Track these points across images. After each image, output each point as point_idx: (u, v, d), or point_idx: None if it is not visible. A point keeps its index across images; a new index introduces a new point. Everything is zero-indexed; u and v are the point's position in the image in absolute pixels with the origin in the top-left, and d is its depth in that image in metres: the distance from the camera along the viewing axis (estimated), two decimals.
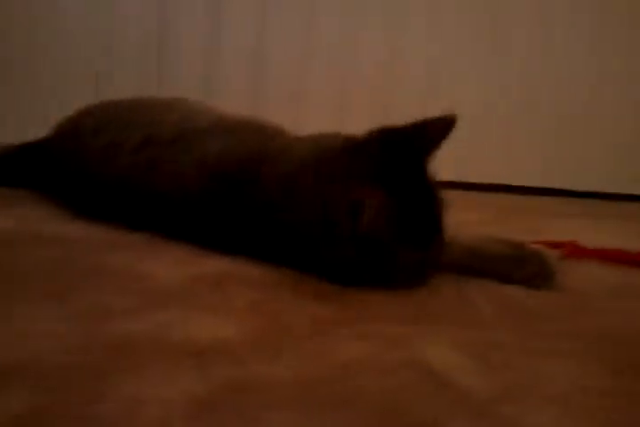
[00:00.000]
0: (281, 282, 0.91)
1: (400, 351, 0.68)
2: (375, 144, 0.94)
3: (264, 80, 2.15)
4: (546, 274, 1.01)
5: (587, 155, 2.50)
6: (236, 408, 0.53)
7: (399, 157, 0.92)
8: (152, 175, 1.09)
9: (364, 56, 2.24)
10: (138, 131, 1.16)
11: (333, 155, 0.95)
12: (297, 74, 2.19)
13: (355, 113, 2.19)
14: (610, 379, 0.66)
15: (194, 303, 0.79)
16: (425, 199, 0.93)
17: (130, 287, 0.82)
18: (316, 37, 2.18)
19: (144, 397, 0.53)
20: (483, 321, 0.82)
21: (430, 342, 0.72)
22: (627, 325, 0.87)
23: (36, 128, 1.73)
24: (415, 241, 0.90)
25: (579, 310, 0.92)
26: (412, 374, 0.62)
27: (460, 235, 1.01)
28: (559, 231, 1.46)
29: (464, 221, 1.08)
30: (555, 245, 1.25)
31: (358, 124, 1.07)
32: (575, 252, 1.24)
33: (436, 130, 0.95)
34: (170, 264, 0.94)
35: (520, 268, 1.01)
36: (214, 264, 0.96)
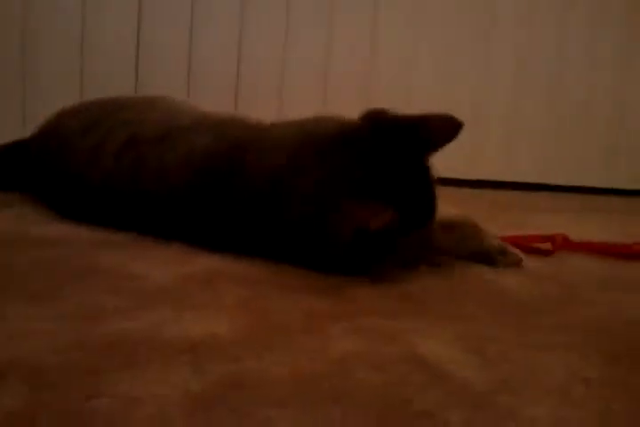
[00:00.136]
0: (271, 278, 0.91)
1: (396, 345, 0.68)
2: (371, 137, 0.92)
3: (245, 77, 2.14)
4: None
5: (579, 152, 2.53)
6: (231, 405, 0.52)
7: (396, 152, 0.92)
8: (138, 174, 1.08)
9: (347, 53, 2.24)
10: (121, 131, 1.15)
11: (326, 147, 0.94)
12: (279, 70, 2.18)
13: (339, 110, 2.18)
14: (606, 370, 0.66)
15: (186, 301, 0.78)
16: (419, 188, 0.92)
17: (122, 286, 0.81)
18: (295, 34, 2.17)
19: (139, 394, 0.52)
20: (477, 315, 0.82)
21: (426, 336, 0.72)
22: (616, 316, 0.87)
23: (18, 128, 1.72)
24: (410, 229, 0.90)
25: (569, 302, 0.93)
26: (408, 368, 0.62)
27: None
28: (548, 225, 1.47)
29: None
30: (544, 239, 1.26)
31: None
32: (564, 245, 1.25)
33: (439, 131, 0.94)
34: (160, 263, 0.93)
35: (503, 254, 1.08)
36: (204, 262, 0.95)
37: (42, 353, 0.59)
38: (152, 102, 1.28)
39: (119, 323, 0.68)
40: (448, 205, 1.01)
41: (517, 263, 1.08)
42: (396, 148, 0.92)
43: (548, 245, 1.24)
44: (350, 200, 0.88)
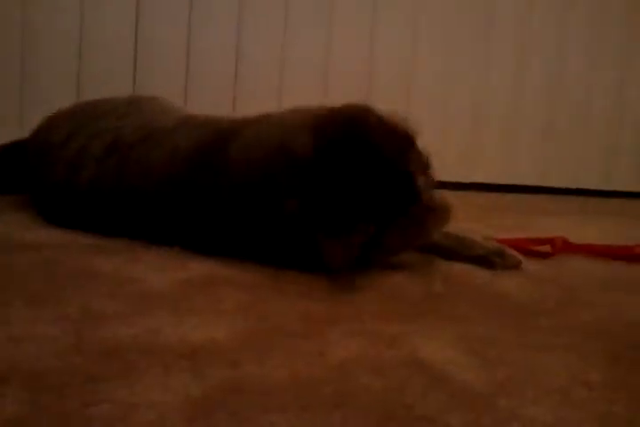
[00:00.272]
0: (269, 282, 0.91)
1: (395, 349, 0.68)
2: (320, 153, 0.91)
3: (243, 78, 2.14)
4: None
5: (578, 153, 2.53)
6: (231, 410, 0.52)
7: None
8: (122, 174, 1.08)
9: (346, 53, 2.24)
10: (104, 136, 1.15)
11: (300, 148, 0.93)
12: (277, 70, 2.18)
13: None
14: (607, 371, 0.66)
15: (184, 306, 0.78)
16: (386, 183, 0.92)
17: (120, 291, 0.81)
18: (294, 34, 2.17)
19: (138, 399, 0.52)
20: (477, 317, 0.82)
21: (425, 339, 0.71)
22: (617, 317, 0.87)
23: (16, 128, 1.72)
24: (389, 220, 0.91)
25: (569, 303, 0.93)
26: (408, 371, 0.62)
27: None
28: (548, 228, 1.47)
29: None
30: (544, 241, 1.26)
31: None
32: (563, 247, 1.25)
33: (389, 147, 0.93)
34: (156, 268, 0.93)
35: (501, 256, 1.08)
36: (200, 267, 0.95)
37: (42, 358, 0.59)
38: (136, 105, 1.27)
39: (118, 328, 0.68)
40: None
41: (516, 266, 1.08)
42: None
43: (547, 248, 1.24)
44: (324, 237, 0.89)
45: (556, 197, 2.42)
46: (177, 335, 0.67)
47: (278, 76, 2.18)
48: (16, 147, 1.39)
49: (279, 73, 2.18)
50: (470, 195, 2.26)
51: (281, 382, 0.58)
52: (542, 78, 2.47)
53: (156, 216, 1.05)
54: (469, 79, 2.39)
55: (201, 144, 1.04)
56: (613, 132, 2.56)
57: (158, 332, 0.68)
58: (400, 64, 2.30)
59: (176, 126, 1.12)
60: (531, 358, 0.68)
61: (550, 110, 2.50)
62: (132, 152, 1.09)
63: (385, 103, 2.17)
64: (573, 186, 2.52)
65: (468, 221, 1.43)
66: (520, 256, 1.10)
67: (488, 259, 1.08)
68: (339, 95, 2.21)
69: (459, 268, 1.06)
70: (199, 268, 0.95)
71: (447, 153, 2.32)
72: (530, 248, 1.22)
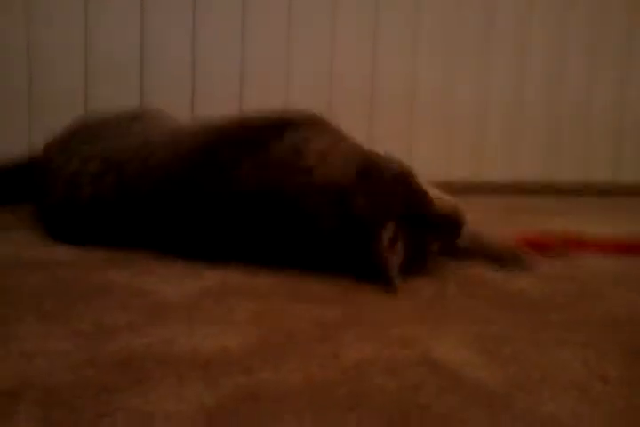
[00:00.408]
0: (281, 289, 0.91)
1: (410, 350, 0.67)
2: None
3: (247, 91, 2.15)
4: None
5: (581, 151, 2.52)
6: (246, 417, 0.52)
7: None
8: (121, 190, 1.09)
9: (348, 56, 2.24)
10: (97, 160, 1.15)
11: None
12: (279, 84, 2.19)
13: (341, 118, 2.18)
14: (623, 366, 0.65)
15: (197, 316, 0.78)
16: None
17: (133, 303, 0.81)
18: (297, 48, 2.18)
19: (152, 409, 0.52)
20: (490, 316, 0.82)
21: (440, 339, 0.71)
22: (631, 313, 0.86)
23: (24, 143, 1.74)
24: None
25: (583, 300, 0.92)
26: (424, 372, 0.62)
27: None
28: (559, 227, 1.46)
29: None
30: (556, 239, 1.25)
31: (346, 128, 1.08)
32: (576, 244, 1.24)
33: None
34: (169, 279, 0.93)
35: (515, 258, 1.09)
36: (212, 277, 0.95)
37: (54, 372, 0.59)
38: (136, 121, 1.28)
39: (131, 339, 0.68)
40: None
41: (529, 267, 1.07)
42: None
43: (560, 245, 1.23)
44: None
45: (564, 197, 2.41)
46: (190, 345, 0.67)
47: (284, 82, 2.18)
48: (29, 162, 1.40)
49: (284, 77, 2.18)
50: (480, 197, 2.25)
51: (295, 386, 0.57)
52: (543, 77, 2.46)
53: (158, 225, 1.05)
54: (471, 79, 2.38)
55: (205, 147, 1.04)
56: (616, 129, 2.55)
57: (172, 342, 0.68)
58: (402, 65, 2.29)
59: (168, 142, 1.12)
60: (546, 355, 0.67)
61: (552, 109, 2.49)
62: (128, 166, 1.10)
63: (388, 105, 2.17)
64: (579, 180, 2.51)
65: (482, 222, 1.43)
66: (533, 257, 1.09)
67: (501, 259, 1.07)
68: (342, 98, 2.23)
69: (472, 268, 1.06)
70: (212, 277, 0.95)
71: (453, 152, 2.32)
72: (543, 246, 1.21)
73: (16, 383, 0.56)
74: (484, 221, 1.15)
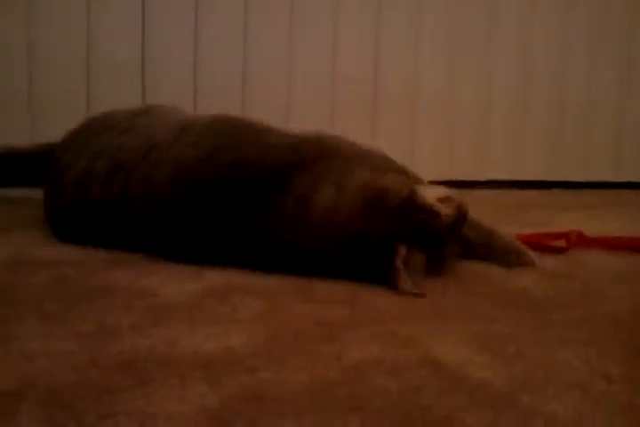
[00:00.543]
0: (284, 290, 0.90)
1: (412, 350, 0.67)
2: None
3: (249, 91, 2.15)
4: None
5: (584, 149, 2.52)
6: (249, 418, 0.52)
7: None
8: (127, 197, 1.09)
9: (350, 58, 2.23)
10: (106, 158, 1.15)
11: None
12: (281, 84, 2.18)
13: (344, 118, 2.18)
14: (626, 365, 0.65)
15: (199, 317, 0.78)
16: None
17: (136, 304, 0.81)
18: (299, 48, 2.18)
19: (155, 410, 0.52)
20: (493, 314, 0.81)
21: (442, 340, 0.71)
22: (634, 310, 0.86)
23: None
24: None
25: (586, 297, 0.92)
26: (426, 372, 0.61)
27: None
28: (562, 223, 1.46)
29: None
30: (559, 236, 1.25)
31: (348, 128, 1.08)
32: (578, 241, 1.24)
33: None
34: (172, 279, 0.93)
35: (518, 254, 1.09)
36: (215, 277, 0.95)
37: (57, 373, 0.59)
38: (142, 116, 1.27)
39: (134, 340, 0.68)
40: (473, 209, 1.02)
41: (531, 264, 1.07)
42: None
43: (562, 242, 1.23)
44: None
45: (568, 192, 2.41)
46: (193, 345, 0.67)
47: (286, 84, 2.18)
48: (49, 147, 1.38)
49: (287, 79, 2.18)
50: (484, 193, 2.24)
51: (298, 386, 0.57)
52: (546, 77, 2.46)
53: (161, 233, 1.06)
54: (473, 79, 2.38)
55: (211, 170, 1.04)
56: (617, 128, 2.55)
57: (175, 342, 0.68)
58: (404, 65, 2.29)
59: (175, 139, 1.12)
60: (549, 354, 0.67)
61: (555, 108, 2.49)
62: (134, 173, 1.10)
63: (390, 104, 2.17)
64: (582, 179, 2.51)
65: (488, 218, 1.42)
66: (535, 254, 1.09)
67: (505, 256, 1.07)
68: (345, 100, 2.23)
69: (474, 265, 1.06)
70: (215, 278, 0.95)
71: (455, 152, 2.32)
72: (545, 243, 1.21)
73: (18, 384, 0.56)
74: (485, 216, 1.14)
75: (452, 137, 2.33)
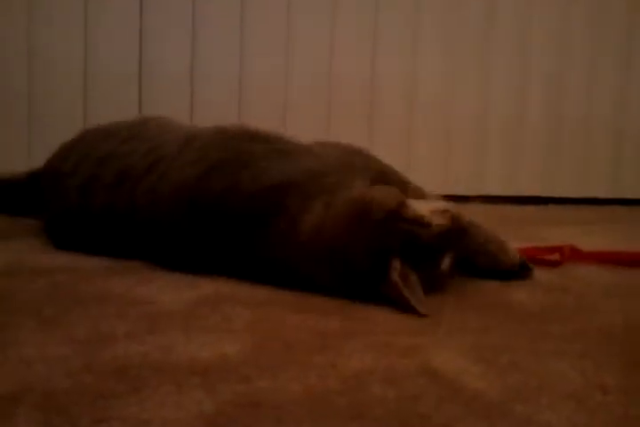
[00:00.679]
0: (279, 299, 0.91)
1: (409, 360, 0.67)
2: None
3: (246, 92, 2.15)
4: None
5: (582, 162, 2.53)
6: (246, 425, 0.51)
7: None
8: (133, 207, 1.09)
9: (346, 60, 2.24)
10: (111, 166, 1.16)
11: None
12: (278, 85, 2.19)
13: (340, 124, 2.18)
14: (621, 376, 0.65)
15: (194, 324, 0.78)
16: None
17: (131, 311, 0.81)
18: (296, 48, 2.18)
19: (149, 417, 0.52)
20: (488, 326, 0.82)
21: (437, 349, 0.71)
22: (627, 323, 0.86)
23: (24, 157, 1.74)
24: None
25: (580, 311, 0.92)
26: (423, 381, 0.62)
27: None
28: (556, 238, 1.46)
29: None
30: (553, 250, 1.25)
31: (345, 130, 1.08)
32: (572, 255, 1.24)
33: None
34: (168, 288, 0.93)
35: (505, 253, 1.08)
36: (211, 286, 0.95)
37: (53, 378, 0.59)
38: (140, 127, 1.27)
39: (129, 347, 0.68)
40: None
41: (529, 276, 1.07)
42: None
43: (556, 256, 1.23)
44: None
45: (562, 207, 2.42)
46: (188, 353, 0.67)
47: (280, 92, 2.18)
48: (37, 174, 1.40)
49: (283, 89, 2.18)
50: (477, 207, 2.25)
51: (294, 395, 0.57)
52: (544, 78, 2.46)
53: (162, 245, 1.06)
54: (471, 87, 2.39)
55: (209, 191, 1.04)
56: (617, 136, 2.56)
57: (169, 350, 0.68)
58: (401, 66, 2.30)
59: (180, 151, 1.12)
60: (544, 365, 0.68)
61: (553, 118, 2.50)
62: (140, 184, 1.10)
63: (388, 115, 2.16)
64: (578, 195, 2.52)
65: None
66: (531, 266, 1.09)
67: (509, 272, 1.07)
68: (342, 108, 2.24)
69: (469, 278, 1.06)
70: (210, 287, 0.95)
71: (451, 166, 2.32)
72: (539, 257, 1.22)
73: (15, 388, 0.56)
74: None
75: (448, 151, 2.34)
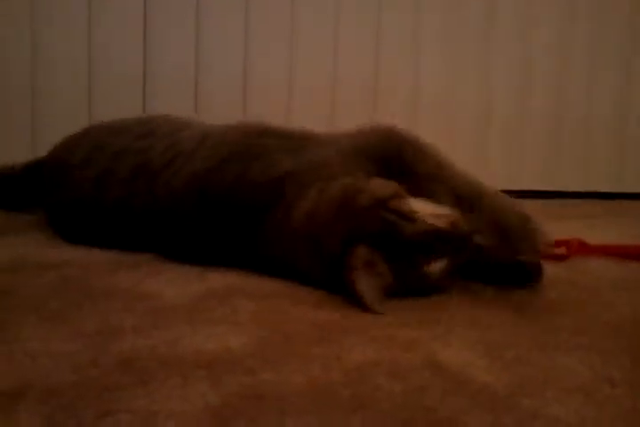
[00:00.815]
0: (284, 292, 0.90)
1: (413, 353, 0.67)
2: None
3: (250, 92, 2.15)
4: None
5: (585, 156, 2.52)
6: (250, 417, 0.52)
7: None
8: (152, 199, 1.09)
9: (350, 64, 2.24)
10: (128, 160, 1.16)
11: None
12: (282, 85, 2.19)
13: (343, 122, 2.18)
14: (628, 369, 0.65)
15: (200, 318, 0.78)
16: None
17: (138, 305, 0.81)
18: (299, 49, 2.18)
19: (156, 408, 0.52)
20: (495, 320, 0.81)
21: (443, 344, 0.71)
22: (635, 317, 0.86)
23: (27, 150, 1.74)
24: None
25: (588, 304, 0.92)
26: (428, 374, 0.61)
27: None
28: (562, 231, 1.45)
29: None
30: (560, 244, 1.25)
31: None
32: (579, 249, 1.24)
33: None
34: (175, 281, 0.93)
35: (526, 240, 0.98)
36: (217, 279, 0.95)
37: (58, 372, 0.59)
38: (151, 124, 1.27)
39: (136, 340, 0.68)
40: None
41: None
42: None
43: (563, 250, 1.23)
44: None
45: (567, 202, 2.41)
46: (194, 346, 0.67)
47: (286, 90, 2.18)
48: (36, 165, 1.40)
49: (287, 88, 2.18)
50: None
51: (298, 387, 0.57)
52: (545, 85, 2.47)
53: (177, 234, 1.06)
54: (473, 84, 2.38)
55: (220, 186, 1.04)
56: (618, 132, 2.55)
57: (176, 343, 0.68)
58: (404, 66, 2.29)
59: (197, 147, 1.12)
60: (551, 359, 0.67)
61: (555, 114, 2.49)
62: (158, 178, 1.11)
63: (390, 112, 2.15)
64: (581, 189, 2.51)
65: None
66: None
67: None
68: (345, 106, 2.23)
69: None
70: (216, 280, 0.95)
71: (454, 150, 2.32)
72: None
73: (20, 383, 0.56)
74: None
75: (450, 146, 2.33)
